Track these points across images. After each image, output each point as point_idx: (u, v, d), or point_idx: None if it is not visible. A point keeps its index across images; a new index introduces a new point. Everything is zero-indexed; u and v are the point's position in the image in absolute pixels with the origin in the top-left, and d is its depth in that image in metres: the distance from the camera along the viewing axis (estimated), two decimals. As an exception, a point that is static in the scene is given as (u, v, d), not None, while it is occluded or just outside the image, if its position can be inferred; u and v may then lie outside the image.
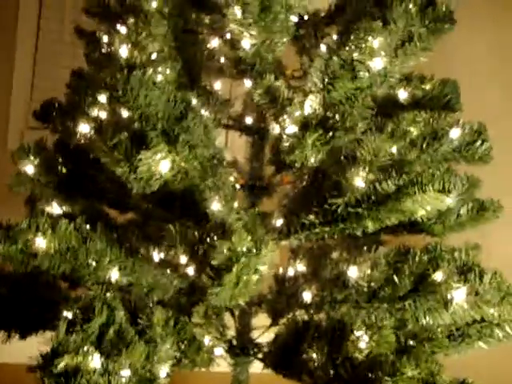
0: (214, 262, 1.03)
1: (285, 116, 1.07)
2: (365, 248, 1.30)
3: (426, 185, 0.99)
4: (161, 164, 0.98)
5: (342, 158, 1.09)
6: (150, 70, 1.00)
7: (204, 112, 1.18)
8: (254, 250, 1.02)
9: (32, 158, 1.32)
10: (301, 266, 1.45)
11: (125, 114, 1.11)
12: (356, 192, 1.04)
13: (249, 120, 1.41)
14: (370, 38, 1.13)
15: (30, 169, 1.32)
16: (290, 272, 1.45)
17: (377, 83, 1.20)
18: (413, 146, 1.27)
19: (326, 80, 1.16)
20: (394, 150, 1.26)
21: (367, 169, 1.05)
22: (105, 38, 1.31)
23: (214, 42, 1.40)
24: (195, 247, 1.22)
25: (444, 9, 1.33)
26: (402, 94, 1.39)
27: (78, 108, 1.31)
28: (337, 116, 1.05)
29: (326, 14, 1.51)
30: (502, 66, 1.92)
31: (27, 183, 1.35)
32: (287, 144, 1.06)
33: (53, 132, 1.38)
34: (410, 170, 1.05)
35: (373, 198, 1.02)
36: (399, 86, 1.37)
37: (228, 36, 1.41)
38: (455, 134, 1.28)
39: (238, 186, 1.37)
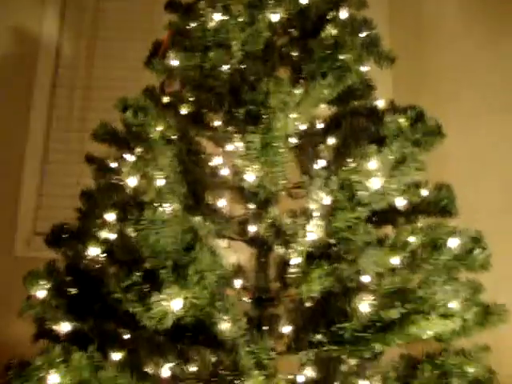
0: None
1: (289, 250, 1.12)
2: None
3: (429, 312, 1.02)
4: (173, 302, 1.00)
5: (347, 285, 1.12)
6: (160, 210, 1.05)
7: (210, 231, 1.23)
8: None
9: (43, 282, 1.35)
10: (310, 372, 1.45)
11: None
12: (362, 318, 1.06)
13: (252, 233, 1.45)
14: (366, 162, 1.20)
15: (41, 293, 1.35)
16: (300, 379, 1.45)
17: (376, 201, 1.26)
18: (414, 256, 1.31)
19: (328, 200, 1.21)
20: (396, 261, 1.30)
21: (371, 297, 1.07)
22: (113, 165, 1.38)
23: (217, 160, 1.46)
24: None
25: (433, 122, 1.41)
26: (400, 202, 1.44)
27: (88, 231, 1.36)
28: (340, 245, 1.09)
29: (322, 126, 1.58)
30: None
31: (37, 307, 1.37)
32: (293, 275, 1.10)
33: (64, 256, 1.41)
34: (412, 298, 1.08)
35: (378, 324, 1.05)
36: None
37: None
38: (454, 243, 1.32)
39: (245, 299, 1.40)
